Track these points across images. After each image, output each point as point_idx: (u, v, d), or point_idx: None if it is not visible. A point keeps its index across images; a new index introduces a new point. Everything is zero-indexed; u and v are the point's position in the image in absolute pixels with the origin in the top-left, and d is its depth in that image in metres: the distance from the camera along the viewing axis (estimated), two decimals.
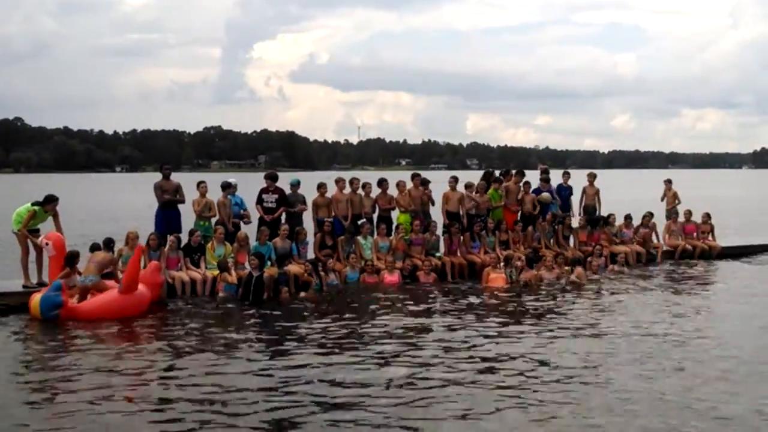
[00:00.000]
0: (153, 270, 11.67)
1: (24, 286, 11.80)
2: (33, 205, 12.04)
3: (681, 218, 17.55)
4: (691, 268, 15.82)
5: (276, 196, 14.08)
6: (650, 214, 16.97)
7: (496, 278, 13.38)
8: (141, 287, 11.20)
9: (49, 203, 12.10)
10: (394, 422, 6.58)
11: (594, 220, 16.53)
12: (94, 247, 12.15)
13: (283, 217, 14.10)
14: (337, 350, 9.04)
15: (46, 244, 11.56)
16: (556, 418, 6.70)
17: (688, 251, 16.98)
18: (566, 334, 9.81)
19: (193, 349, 9.15)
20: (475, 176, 16.47)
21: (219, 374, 8.04)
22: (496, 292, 12.84)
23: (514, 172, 16.62)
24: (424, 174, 16.15)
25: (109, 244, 12.06)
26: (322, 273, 12.95)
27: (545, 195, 16.25)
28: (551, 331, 10.00)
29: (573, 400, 7.13)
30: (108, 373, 8.12)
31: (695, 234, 17.43)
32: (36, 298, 10.81)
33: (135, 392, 7.53)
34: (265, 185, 14.20)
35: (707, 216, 17.68)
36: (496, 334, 9.89)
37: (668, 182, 18.69)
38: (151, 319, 10.94)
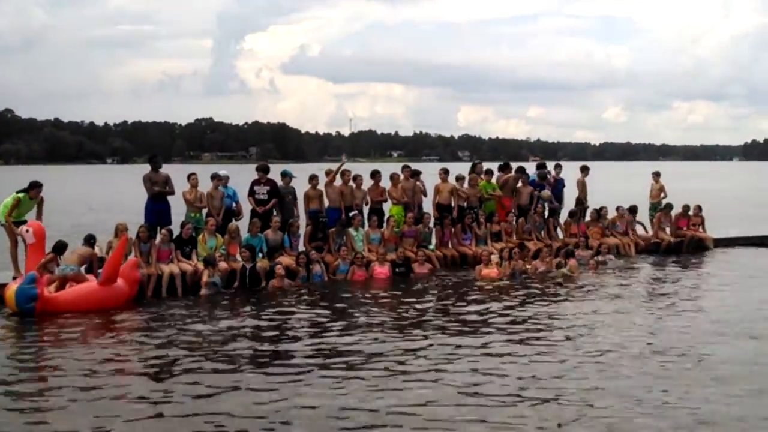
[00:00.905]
0: (131, 266, 11.51)
1: (14, 278, 11.71)
2: (17, 193, 11.96)
3: (678, 210, 17.53)
4: (681, 259, 15.91)
5: (268, 187, 14.04)
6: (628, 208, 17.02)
7: (489, 273, 13.44)
8: (119, 281, 11.11)
9: (32, 189, 12.02)
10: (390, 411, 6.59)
11: (583, 210, 16.67)
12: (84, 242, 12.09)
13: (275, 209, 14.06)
14: (329, 345, 9.03)
15: (27, 231, 11.48)
16: (561, 396, 6.88)
17: (678, 243, 17.03)
18: (561, 326, 9.83)
19: (182, 345, 9.08)
20: (466, 168, 16.46)
21: (210, 369, 8.04)
22: (489, 283, 12.90)
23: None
24: (416, 166, 16.19)
25: (89, 240, 12.00)
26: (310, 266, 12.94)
27: (546, 192, 16.37)
28: (545, 322, 10.03)
29: (575, 389, 7.16)
30: (94, 368, 8.11)
31: (685, 227, 17.47)
32: (11, 290, 10.73)
33: (121, 387, 7.49)
34: (256, 177, 14.16)
35: (698, 208, 17.72)
36: (489, 322, 9.92)
37: (656, 175, 18.52)
38: (138, 314, 10.83)
